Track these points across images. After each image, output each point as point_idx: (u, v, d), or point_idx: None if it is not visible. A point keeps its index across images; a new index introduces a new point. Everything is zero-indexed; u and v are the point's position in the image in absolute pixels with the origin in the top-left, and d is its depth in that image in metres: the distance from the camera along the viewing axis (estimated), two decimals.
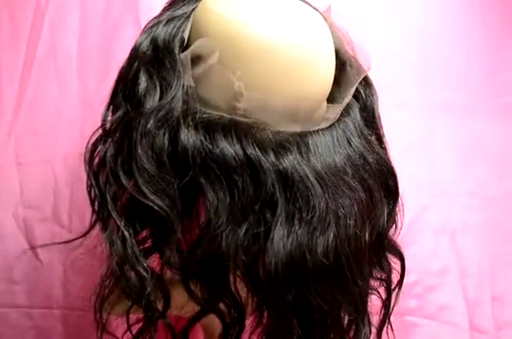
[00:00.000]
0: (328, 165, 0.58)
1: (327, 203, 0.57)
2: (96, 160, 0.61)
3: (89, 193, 0.62)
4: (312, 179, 0.57)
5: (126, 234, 0.57)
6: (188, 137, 0.54)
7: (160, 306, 0.60)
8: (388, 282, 0.71)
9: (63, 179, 0.91)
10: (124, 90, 0.59)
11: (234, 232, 0.56)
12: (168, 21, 0.60)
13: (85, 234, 0.63)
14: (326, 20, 0.63)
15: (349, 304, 0.63)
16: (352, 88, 0.65)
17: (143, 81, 0.57)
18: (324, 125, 0.61)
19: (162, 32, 0.59)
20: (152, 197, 0.55)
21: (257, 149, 0.56)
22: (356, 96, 0.68)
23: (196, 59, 0.57)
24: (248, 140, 0.56)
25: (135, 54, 0.60)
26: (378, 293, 0.72)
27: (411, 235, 0.92)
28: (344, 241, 0.58)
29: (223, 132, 0.55)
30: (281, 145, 0.57)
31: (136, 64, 0.58)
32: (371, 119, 0.67)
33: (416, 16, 0.96)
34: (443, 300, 0.92)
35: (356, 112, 0.66)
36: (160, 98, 0.56)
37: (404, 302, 0.91)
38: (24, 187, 0.94)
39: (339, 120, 0.63)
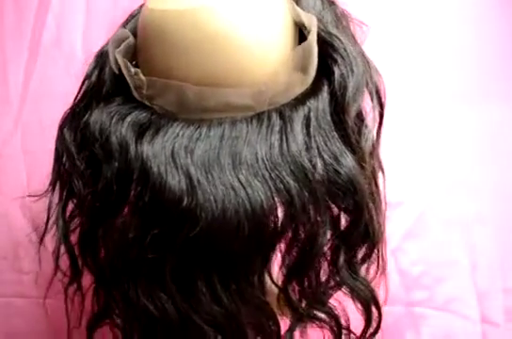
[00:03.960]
0: (212, 159, 0.53)
1: (180, 201, 0.52)
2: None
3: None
4: (171, 170, 0.53)
5: (54, 200, 0.63)
6: (94, 119, 0.57)
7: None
8: (337, 327, 0.62)
9: None
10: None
11: (102, 215, 0.58)
12: (128, 21, 0.63)
13: (44, 194, 0.66)
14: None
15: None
16: (287, 67, 0.55)
17: (89, 70, 0.62)
18: (234, 114, 0.54)
19: (120, 31, 0.61)
20: (72, 173, 0.59)
21: (133, 135, 0.55)
22: (329, 78, 0.56)
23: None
24: (129, 126, 0.56)
25: (98, 52, 0.63)
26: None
27: (422, 226, 0.91)
28: (209, 245, 0.53)
29: (119, 117, 0.56)
30: (159, 133, 0.54)
31: (94, 58, 0.62)
32: (340, 108, 0.55)
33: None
34: (453, 292, 0.90)
35: (319, 100, 0.55)
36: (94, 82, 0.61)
37: (412, 293, 0.91)
38: (31, 177, 0.94)
39: (280, 110, 0.54)
